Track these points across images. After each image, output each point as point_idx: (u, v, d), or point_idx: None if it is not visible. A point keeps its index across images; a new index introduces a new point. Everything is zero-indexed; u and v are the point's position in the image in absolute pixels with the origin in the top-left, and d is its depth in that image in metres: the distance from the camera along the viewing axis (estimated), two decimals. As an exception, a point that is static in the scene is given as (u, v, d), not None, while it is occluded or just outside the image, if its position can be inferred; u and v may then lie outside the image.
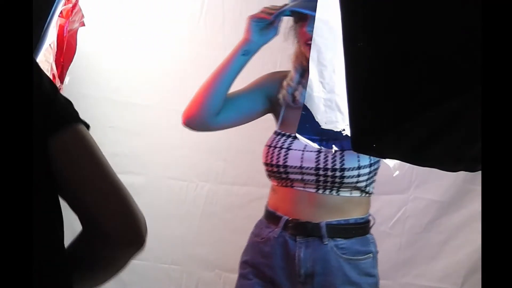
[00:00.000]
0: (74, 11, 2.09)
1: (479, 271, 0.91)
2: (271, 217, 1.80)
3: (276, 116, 1.86)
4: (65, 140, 0.95)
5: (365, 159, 1.69)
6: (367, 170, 1.70)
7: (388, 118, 1.09)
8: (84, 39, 2.31)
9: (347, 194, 1.72)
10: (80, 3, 2.14)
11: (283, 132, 1.79)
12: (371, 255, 1.77)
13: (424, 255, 2.67)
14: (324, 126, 1.45)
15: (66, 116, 0.97)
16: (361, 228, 1.76)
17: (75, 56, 2.22)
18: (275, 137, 1.79)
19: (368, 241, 1.77)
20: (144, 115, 2.72)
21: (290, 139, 1.76)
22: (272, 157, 1.75)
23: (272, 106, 1.86)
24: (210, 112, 1.78)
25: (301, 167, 1.70)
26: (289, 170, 1.72)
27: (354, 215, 1.74)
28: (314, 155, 1.69)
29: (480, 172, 0.96)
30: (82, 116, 1.00)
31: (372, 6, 1.02)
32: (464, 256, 2.61)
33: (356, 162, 1.68)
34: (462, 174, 1.91)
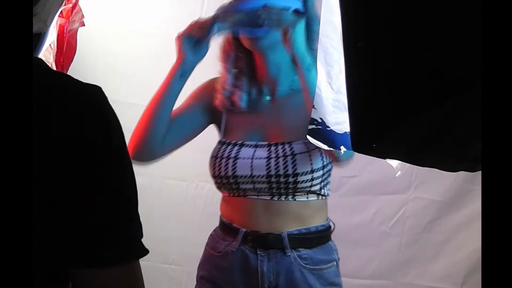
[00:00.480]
0: (74, 11, 2.10)
1: (479, 271, 0.91)
2: (227, 229, 1.71)
3: (219, 126, 1.77)
4: (112, 278, 0.82)
5: (318, 162, 1.61)
6: (320, 172, 1.62)
7: (388, 118, 1.09)
8: (84, 39, 2.32)
9: (303, 198, 1.64)
10: (80, 3, 2.14)
11: (228, 141, 1.69)
12: (334, 263, 1.70)
13: (424, 255, 2.67)
14: (333, 127, 1.42)
15: (130, 249, 0.83)
16: (323, 236, 1.69)
17: (75, 56, 2.22)
18: (220, 147, 1.69)
19: (330, 248, 1.70)
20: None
21: (236, 147, 1.66)
22: (220, 169, 1.65)
23: (213, 116, 1.76)
24: (157, 141, 1.68)
25: (251, 176, 1.62)
26: (239, 180, 1.63)
27: (314, 222, 1.66)
28: (264, 162, 1.61)
29: (480, 172, 0.96)
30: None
31: (372, 6, 1.02)
32: (464, 256, 2.61)
33: (309, 166, 1.60)
34: (462, 174, 1.91)
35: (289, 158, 1.60)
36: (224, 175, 1.65)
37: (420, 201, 2.65)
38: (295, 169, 1.59)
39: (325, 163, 1.64)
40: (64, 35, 2.06)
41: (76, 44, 2.19)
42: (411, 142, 1.10)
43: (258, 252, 1.64)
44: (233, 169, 1.63)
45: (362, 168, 2.60)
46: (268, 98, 1.72)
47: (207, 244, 1.78)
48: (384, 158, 1.62)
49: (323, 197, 1.69)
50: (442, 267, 2.66)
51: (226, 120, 1.73)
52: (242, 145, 1.66)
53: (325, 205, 1.72)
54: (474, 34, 0.93)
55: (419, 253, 2.67)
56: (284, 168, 1.59)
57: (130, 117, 2.82)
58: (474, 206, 2.56)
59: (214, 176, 1.69)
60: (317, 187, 1.64)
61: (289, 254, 1.63)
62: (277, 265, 1.63)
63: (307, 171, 1.60)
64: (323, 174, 1.64)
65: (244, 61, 1.72)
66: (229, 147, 1.67)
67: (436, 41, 1.00)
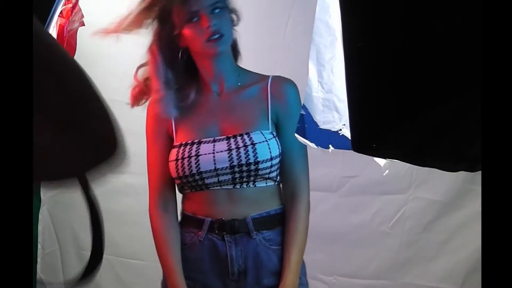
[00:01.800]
0: (74, 11, 2.10)
1: (479, 271, 0.91)
2: (191, 221, 1.76)
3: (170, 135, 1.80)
4: None
5: (275, 150, 1.70)
6: (277, 160, 1.71)
7: (388, 118, 1.09)
8: (84, 39, 2.31)
9: (263, 184, 1.72)
10: (80, 3, 2.14)
11: (184, 143, 1.73)
12: None
13: (424, 255, 2.67)
14: (322, 126, 1.44)
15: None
16: (281, 218, 1.76)
17: (75, 56, 2.22)
18: (178, 150, 1.73)
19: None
20: (144, 115, 2.72)
21: (195, 145, 1.71)
22: (183, 169, 1.70)
23: (167, 132, 1.81)
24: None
25: (215, 169, 1.68)
26: (204, 175, 1.69)
27: (272, 206, 1.75)
28: (226, 154, 1.68)
29: (480, 172, 0.96)
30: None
31: (372, 7, 1.03)
32: (464, 256, 2.61)
33: (268, 154, 1.69)
34: (462, 174, 1.91)
35: (249, 147, 1.68)
36: (189, 174, 1.70)
37: (420, 201, 2.65)
38: (256, 157, 1.67)
39: (279, 152, 1.72)
40: (64, 35, 2.06)
41: (76, 44, 2.19)
42: (411, 142, 1.11)
43: (226, 238, 1.71)
44: (197, 167, 1.69)
45: (362, 168, 2.60)
46: (217, 94, 1.78)
47: None
48: (384, 158, 1.62)
49: (277, 183, 1.77)
50: (442, 267, 2.66)
51: (175, 126, 1.78)
52: (200, 143, 1.72)
53: (279, 191, 1.80)
54: (474, 34, 0.93)
55: (419, 253, 2.67)
56: (246, 158, 1.68)
57: (130, 117, 2.83)
58: (474, 206, 2.56)
59: (178, 177, 1.73)
60: (274, 174, 1.73)
61: (255, 237, 1.71)
62: (244, 249, 1.71)
63: (267, 159, 1.69)
64: (279, 162, 1.73)
65: (182, 61, 1.77)
66: (188, 147, 1.72)
67: (436, 41, 1.00)
